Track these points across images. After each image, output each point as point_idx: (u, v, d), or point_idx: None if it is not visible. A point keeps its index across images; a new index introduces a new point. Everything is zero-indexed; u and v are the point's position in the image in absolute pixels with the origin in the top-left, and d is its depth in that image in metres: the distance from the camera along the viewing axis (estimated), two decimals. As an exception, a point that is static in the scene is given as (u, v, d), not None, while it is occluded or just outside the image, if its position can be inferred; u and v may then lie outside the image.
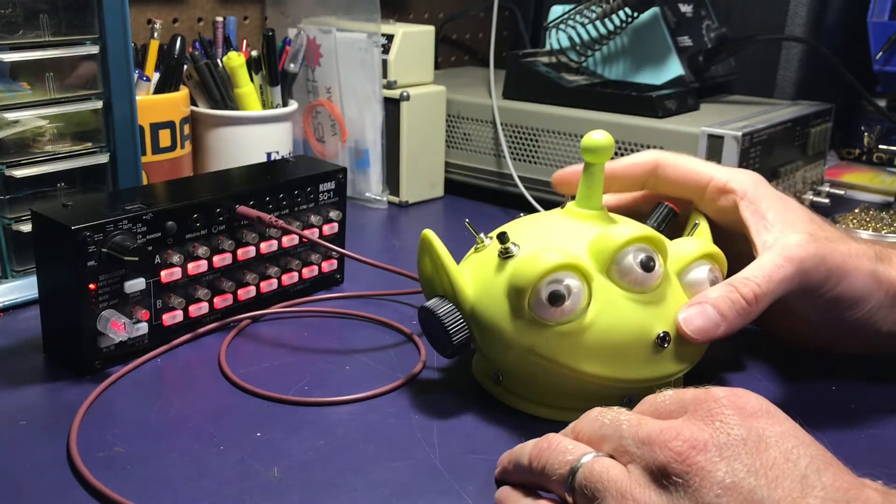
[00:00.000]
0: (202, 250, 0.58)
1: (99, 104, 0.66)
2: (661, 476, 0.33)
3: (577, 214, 0.51)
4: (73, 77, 0.65)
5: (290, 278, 0.65)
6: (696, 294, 0.49)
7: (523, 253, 0.48)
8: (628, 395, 0.48)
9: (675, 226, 0.56)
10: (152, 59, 0.78)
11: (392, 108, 0.91)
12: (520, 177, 0.90)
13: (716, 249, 0.51)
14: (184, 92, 0.80)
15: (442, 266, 0.50)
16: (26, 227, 0.62)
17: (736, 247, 0.54)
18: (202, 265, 0.58)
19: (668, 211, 0.56)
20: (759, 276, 0.47)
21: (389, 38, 0.91)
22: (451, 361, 0.56)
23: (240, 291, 0.62)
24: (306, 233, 0.64)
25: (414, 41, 0.93)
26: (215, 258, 0.59)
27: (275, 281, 0.64)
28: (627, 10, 0.88)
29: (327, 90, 0.93)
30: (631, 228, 0.48)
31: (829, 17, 1.02)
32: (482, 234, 0.51)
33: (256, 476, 0.44)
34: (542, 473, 0.38)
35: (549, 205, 0.87)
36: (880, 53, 0.97)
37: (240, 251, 0.61)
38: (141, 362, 0.55)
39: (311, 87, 0.95)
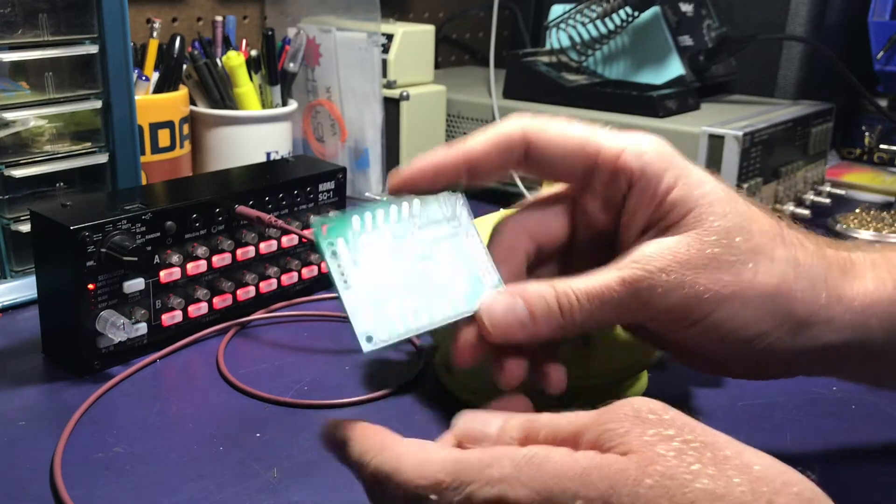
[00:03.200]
0: (201, 250, 0.58)
1: (98, 104, 0.65)
2: None
3: None
4: (73, 77, 0.65)
5: (289, 278, 0.65)
6: None
7: None
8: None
9: None
10: (151, 59, 0.78)
11: (392, 107, 0.91)
12: (520, 176, 0.90)
13: None
14: (183, 91, 0.80)
15: None
16: (25, 228, 0.62)
17: None
18: (201, 265, 0.58)
19: None
20: (582, 291, 0.37)
21: (389, 37, 0.91)
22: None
23: (239, 292, 0.62)
24: (306, 233, 0.64)
25: (414, 41, 0.92)
26: (214, 258, 0.59)
27: (274, 281, 0.64)
28: (628, 9, 0.88)
29: (327, 90, 0.93)
30: None
31: (829, 16, 1.01)
32: None
33: (256, 476, 0.44)
34: None
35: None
36: (881, 53, 0.97)
37: (239, 251, 0.61)
38: (141, 364, 0.55)
39: (311, 86, 0.94)
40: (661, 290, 0.36)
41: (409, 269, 0.38)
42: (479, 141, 0.40)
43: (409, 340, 0.59)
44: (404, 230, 0.38)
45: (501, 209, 0.57)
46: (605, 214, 0.41)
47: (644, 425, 0.29)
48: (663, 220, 0.38)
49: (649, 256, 0.36)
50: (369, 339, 0.35)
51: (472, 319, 0.38)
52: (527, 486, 0.28)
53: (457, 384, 0.52)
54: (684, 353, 0.41)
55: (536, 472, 0.28)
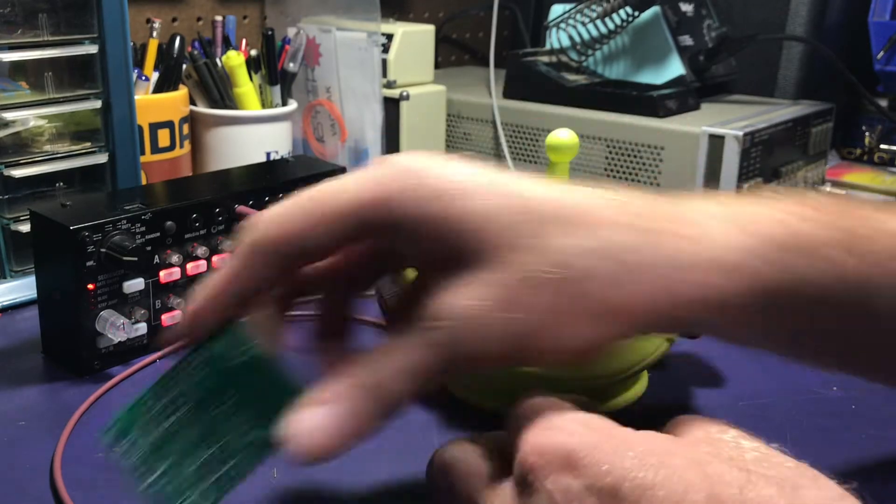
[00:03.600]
0: (201, 250, 0.58)
1: (98, 104, 0.65)
2: None
3: None
4: (72, 77, 0.65)
5: (289, 278, 0.65)
6: None
7: None
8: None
9: None
10: (151, 59, 0.78)
11: (392, 107, 0.91)
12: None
13: None
14: (183, 91, 0.80)
15: None
16: (25, 228, 0.62)
17: None
18: (201, 265, 0.58)
19: None
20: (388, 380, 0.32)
21: (389, 37, 0.91)
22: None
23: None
24: (306, 233, 0.63)
25: (414, 41, 0.92)
26: (215, 258, 0.59)
27: (274, 281, 0.64)
28: (628, 9, 0.88)
29: (327, 90, 0.93)
30: None
31: (830, 16, 1.01)
32: None
33: (256, 476, 0.43)
34: None
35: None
36: (881, 53, 0.97)
37: (239, 251, 0.61)
38: (141, 364, 0.55)
39: (311, 86, 0.94)
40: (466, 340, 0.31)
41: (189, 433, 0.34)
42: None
43: None
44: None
45: None
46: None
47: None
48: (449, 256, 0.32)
49: (457, 309, 0.31)
50: None
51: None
52: None
53: (457, 383, 0.52)
54: None
55: None
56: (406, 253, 0.35)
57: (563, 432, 0.28)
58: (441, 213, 0.31)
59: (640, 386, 0.52)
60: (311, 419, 0.32)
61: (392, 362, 0.32)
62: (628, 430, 0.29)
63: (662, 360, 0.52)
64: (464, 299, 0.31)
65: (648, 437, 0.29)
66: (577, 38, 0.92)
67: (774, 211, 0.33)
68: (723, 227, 0.32)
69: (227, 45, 0.87)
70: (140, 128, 0.71)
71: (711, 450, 0.29)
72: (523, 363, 0.33)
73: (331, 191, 0.33)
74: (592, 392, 0.46)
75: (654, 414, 0.47)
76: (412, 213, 0.32)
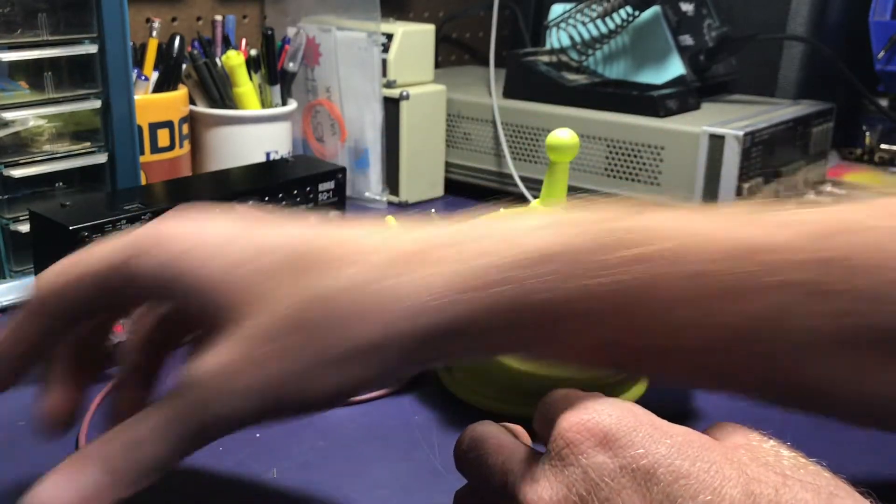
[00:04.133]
0: (201, 250, 0.58)
1: (97, 104, 0.65)
2: None
3: (544, 211, 0.51)
4: (72, 76, 0.65)
5: (289, 278, 0.65)
6: None
7: None
8: None
9: None
10: (151, 59, 0.78)
11: (392, 107, 0.91)
12: (520, 176, 0.90)
13: None
14: (182, 91, 0.80)
15: None
16: (25, 228, 0.62)
17: None
18: (201, 265, 0.58)
19: None
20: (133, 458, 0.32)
21: (389, 37, 0.91)
22: (451, 362, 0.56)
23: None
24: (306, 232, 0.63)
25: (414, 40, 0.92)
26: (214, 258, 0.59)
27: (274, 281, 0.64)
28: (628, 8, 0.88)
29: (327, 89, 0.93)
30: None
31: (830, 16, 1.01)
32: None
33: (256, 476, 0.43)
34: None
35: (549, 204, 0.87)
36: (882, 53, 0.97)
37: (239, 251, 0.61)
38: (139, 363, 0.55)
39: (311, 86, 0.94)
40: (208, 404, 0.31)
41: None
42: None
43: None
44: None
45: (501, 208, 0.57)
46: None
47: None
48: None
49: (201, 372, 0.31)
50: None
51: None
52: None
53: (458, 385, 0.52)
54: None
55: None
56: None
57: (602, 413, 0.29)
58: (178, 276, 0.31)
59: (641, 386, 0.52)
60: (53, 486, 0.31)
61: (145, 427, 0.31)
62: (667, 422, 0.29)
63: None
64: (207, 362, 0.30)
65: (688, 431, 0.29)
66: (578, 38, 0.92)
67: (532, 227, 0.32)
68: (475, 246, 0.31)
69: (227, 44, 0.87)
70: (140, 128, 0.71)
71: (750, 454, 0.29)
72: (283, 417, 0.32)
73: (88, 252, 0.34)
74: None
75: (656, 410, 0.47)
76: (150, 276, 0.32)
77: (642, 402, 0.51)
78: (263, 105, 0.87)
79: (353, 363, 0.30)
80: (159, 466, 0.32)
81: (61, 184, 0.66)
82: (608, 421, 0.29)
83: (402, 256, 0.31)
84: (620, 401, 0.30)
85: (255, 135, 0.85)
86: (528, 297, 0.30)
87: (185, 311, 0.34)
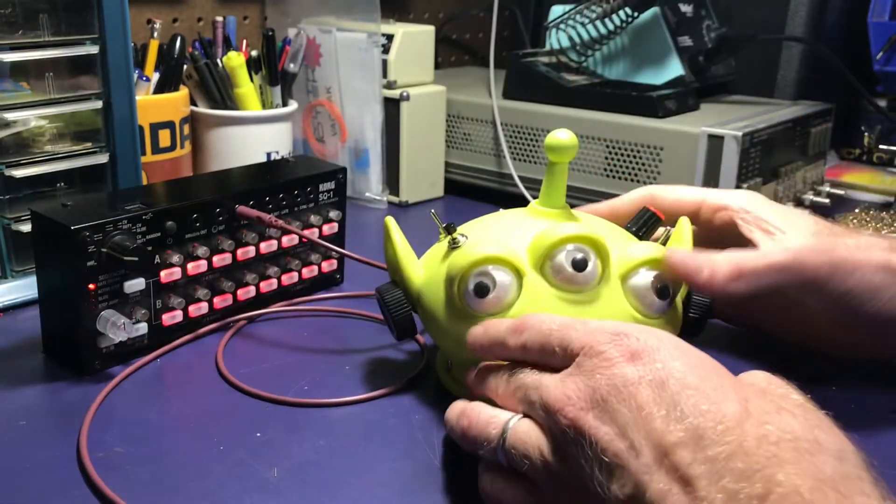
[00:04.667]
0: (202, 250, 0.58)
1: (99, 104, 0.66)
2: (565, 440, 0.36)
3: (539, 212, 0.51)
4: (73, 77, 0.65)
5: (289, 278, 0.65)
6: (639, 300, 0.47)
7: (467, 244, 0.49)
8: None
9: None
10: (152, 59, 0.78)
11: (392, 108, 0.91)
12: (520, 177, 0.90)
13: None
14: (183, 92, 0.80)
15: (395, 253, 0.52)
16: (26, 227, 0.62)
17: None
18: (202, 265, 0.58)
19: (649, 216, 0.55)
20: (754, 255, 0.49)
21: (389, 37, 0.91)
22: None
23: (239, 291, 0.62)
24: (306, 233, 0.64)
25: (414, 41, 0.93)
26: (215, 258, 0.59)
27: (274, 281, 0.64)
28: (628, 9, 0.88)
29: (327, 90, 0.93)
30: (570, 227, 0.47)
31: (829, 16, 1.01)
32: (452, 224, 0.52)
33: (256, 476, 0.44)
34: (476, 446, 0.41)
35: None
36: (880, 53, 0.97)
37: (239, 251, 0.61)
38: (141, 363, 0.55)
39: (311, 86, 0.95)
40: (813, 255, 0.48)
41: None
42: (624, 201, 0.57)
43: (414, 339, 0.59)
44: None
45: (501, 209, 0.57)
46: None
47: None
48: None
49: (797, 239, 0.49)
50: None
51: None
52: None
53: (456, 384, 0.52)
54: (815, 325, 0.53)
55: None
56: None
57: (631, 336, 0.36)
58: None
59: None
60: (687, 255, 0.48)
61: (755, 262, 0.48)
62: (689, 345, 0.37)
63: None
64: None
65: (706, 356, 0.36)
66: (577, 39, 0.92)
67: None
68: None
69: (228, 45, 0.87)
70: (141, 128, 0.72)
71: (759, 390, 0.35)
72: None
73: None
74: None
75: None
76: None
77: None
78: (264, 106, 0.87)
79: None
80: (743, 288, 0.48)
81: (62, 184, 0.66)
82: (637, 341, 0.36)
83: None
84: (647, 327, 0.38)
85: (256, 135, 0.85)
86: None
87: None
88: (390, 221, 0.53)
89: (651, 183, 0.81)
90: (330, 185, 0.66)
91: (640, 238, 0.53)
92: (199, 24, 0.98)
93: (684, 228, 0.53)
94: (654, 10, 0.90)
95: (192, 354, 0.57)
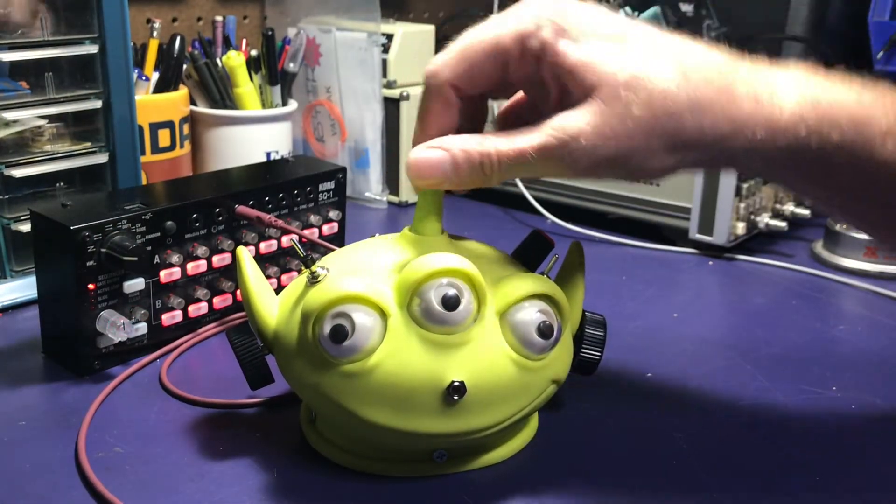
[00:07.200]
0: (201, 250, 0.58)
1: (98, 104, 0.66)
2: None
3: (411, 240, 0.44)
4: (73, 76, 0.65)
5: (289, 278, 0.65)
6: (518, 339, 0.41)
7: (327, 279, 0.42)
8: (438, 451, 0.44)
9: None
10: (151, 59, 0.78)
11: (392, 107, 0.91)
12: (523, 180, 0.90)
13: (554, 290, 0.43)
14: (183, 91, 0.80)
15: (247, 290, 0.45)
16: (25, 227, 0.62)
17: None
18: (201, 265, 0.58)
19: (539, 242, 0.49)
20: (503, 153, 0.40)
21: (389, 37, 0.91)
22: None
23: (239, 292, 0.62)
24: (306, 233, 0.64)
25: (414, 41, 0.92)
26: (215, 258, 0.59)
27: (274, 281, 0.64)
28: (628, 9, 0.88)
29: (327, 90, 0.93)
30: (440, 259, 0.40)
31: (829, 16, 1.01)
32: (312, 256, 0.44)
33: (256, 476, 0.44)
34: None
35: (549, 205, 0.87)
36: (881, 53, 0.97)
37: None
38: (141, 364, 0.55)
39: (311, 86, 0.95)
40: (574, 154, 0.39)
41: None
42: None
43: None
44: None
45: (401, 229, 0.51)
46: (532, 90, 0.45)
47: None
48: (573, 92, 0.40)
49: (564, 125, 0.39)
50: None
51: None
52: None
53: (321, 439, 0.46)
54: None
55: None
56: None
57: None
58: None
59: (529, 431, 0.48)
60: (423, 153, 0.41)
61: (509, 142, 0.40)
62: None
63: (556, 400, 0.48)
64: (575, 123, 0.38)
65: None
66: (577, 39, 0.92)
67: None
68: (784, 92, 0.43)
69: (228, 45, 0.87)
70: (140, 128, 0.71)
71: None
72: (610, 176, 0.41)
73: (488, 28, 0.49)
74: (467, 446, 0.44)
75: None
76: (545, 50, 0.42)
77: (533, 446, 0.49)
78: (264, 105, 0.87)
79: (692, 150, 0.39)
80: (494, 176, 0.40)
81: (62, 184, 0.66)
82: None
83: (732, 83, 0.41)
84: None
85: (256, 135, 0.85)
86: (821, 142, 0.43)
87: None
88: (242, 252, 0.46)
89: (651, 183, 0.81)
90: (330, 185, 0.66)
91: (529, 267, 0.48)
92: (198, 24, 0.98)
93: (576, 254, 0.48)
94: (655, 9, 0.90)
95: (191, 354, 0.57)
